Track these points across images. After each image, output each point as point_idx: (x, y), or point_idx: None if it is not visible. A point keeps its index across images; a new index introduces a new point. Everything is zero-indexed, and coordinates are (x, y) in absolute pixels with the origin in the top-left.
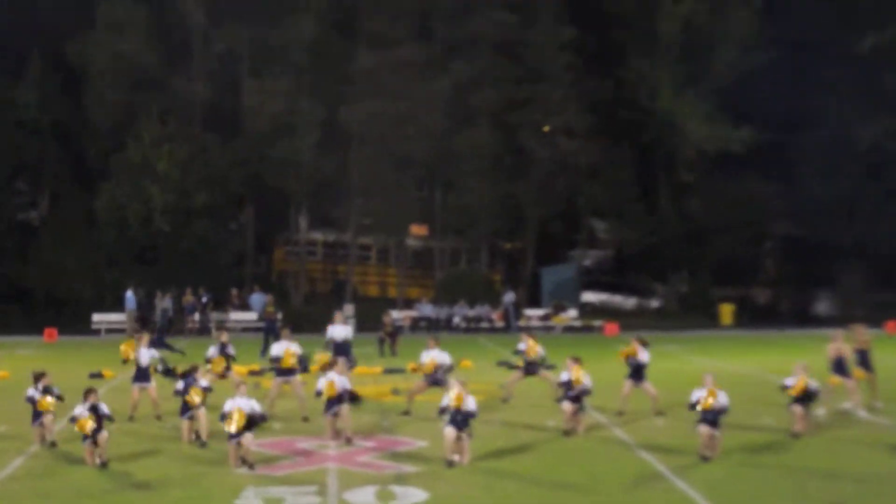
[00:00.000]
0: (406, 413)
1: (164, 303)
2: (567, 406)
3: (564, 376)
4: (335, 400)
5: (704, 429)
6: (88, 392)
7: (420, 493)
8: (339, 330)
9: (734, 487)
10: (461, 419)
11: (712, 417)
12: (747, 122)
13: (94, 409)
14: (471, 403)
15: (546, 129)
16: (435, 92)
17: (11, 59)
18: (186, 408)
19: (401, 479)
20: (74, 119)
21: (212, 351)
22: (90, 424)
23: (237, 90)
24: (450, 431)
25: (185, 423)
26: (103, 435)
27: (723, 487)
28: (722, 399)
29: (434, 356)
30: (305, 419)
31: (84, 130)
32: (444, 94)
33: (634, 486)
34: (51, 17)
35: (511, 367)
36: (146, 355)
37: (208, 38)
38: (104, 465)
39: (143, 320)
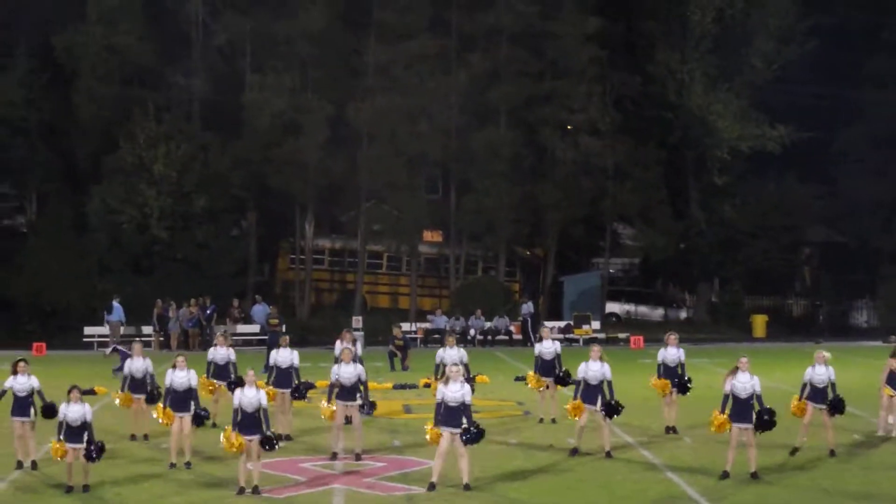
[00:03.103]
0: None
1: (178, 314)
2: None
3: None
4: None
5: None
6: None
7: None
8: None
9: None
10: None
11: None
12: (784, 119)
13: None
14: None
15: (568, 127)
16: (450, 87)
17: None
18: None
19: (411, 502)
20: (63, 117)
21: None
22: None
23: (239, 86)
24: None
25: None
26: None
27: None
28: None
29: (451, 355)
30: (288, 437)
31: (74, 129)
32: (460, 89)
33: None
34: (38, 9)
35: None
36: (141, 366)
37: (208, 29)
38: (85, 489)
39: (167, 336)
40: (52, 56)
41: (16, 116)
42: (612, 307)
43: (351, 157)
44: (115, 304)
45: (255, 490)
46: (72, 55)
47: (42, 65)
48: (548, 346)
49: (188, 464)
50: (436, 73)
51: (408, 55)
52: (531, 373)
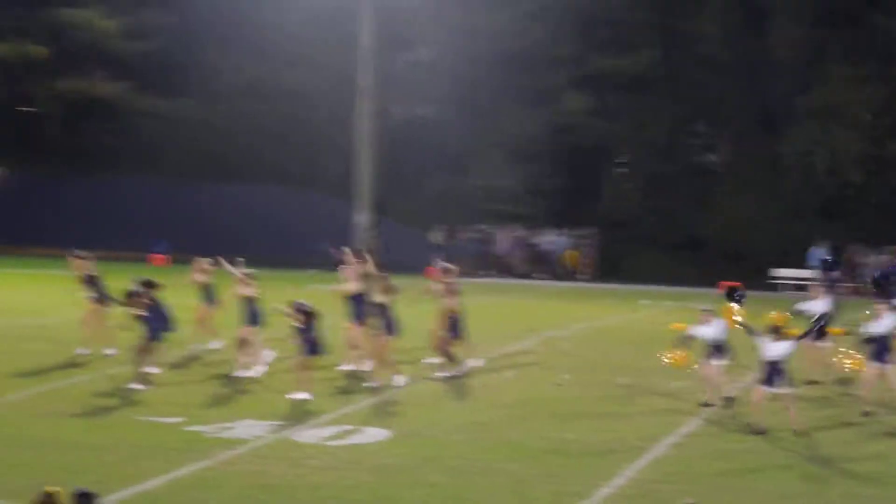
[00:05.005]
0: None
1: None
2: None
3: None
4: None
5: None
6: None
7: None
8: None
9: None
10: None
11: None
12: None
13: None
14: None
15: None
16: None
17: None
18: None
19: None
20: (758, 56)
21: None
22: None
23: None
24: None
25: None
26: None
27: None
28: None
29: None
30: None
31: (768, 69)
32: None
33: None
34: None
35: None
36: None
37: None
38: (797, 433)
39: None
40: None
41: (710, 54)
42: None
43: None
44: (819, 250)
45: None
46: None
47: (737, 2)
48: None
49: None
50: None
51: None
52: None
